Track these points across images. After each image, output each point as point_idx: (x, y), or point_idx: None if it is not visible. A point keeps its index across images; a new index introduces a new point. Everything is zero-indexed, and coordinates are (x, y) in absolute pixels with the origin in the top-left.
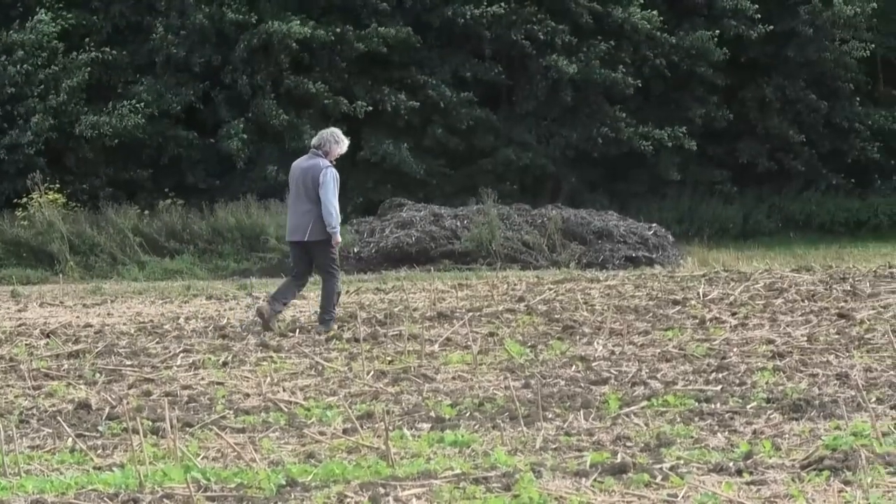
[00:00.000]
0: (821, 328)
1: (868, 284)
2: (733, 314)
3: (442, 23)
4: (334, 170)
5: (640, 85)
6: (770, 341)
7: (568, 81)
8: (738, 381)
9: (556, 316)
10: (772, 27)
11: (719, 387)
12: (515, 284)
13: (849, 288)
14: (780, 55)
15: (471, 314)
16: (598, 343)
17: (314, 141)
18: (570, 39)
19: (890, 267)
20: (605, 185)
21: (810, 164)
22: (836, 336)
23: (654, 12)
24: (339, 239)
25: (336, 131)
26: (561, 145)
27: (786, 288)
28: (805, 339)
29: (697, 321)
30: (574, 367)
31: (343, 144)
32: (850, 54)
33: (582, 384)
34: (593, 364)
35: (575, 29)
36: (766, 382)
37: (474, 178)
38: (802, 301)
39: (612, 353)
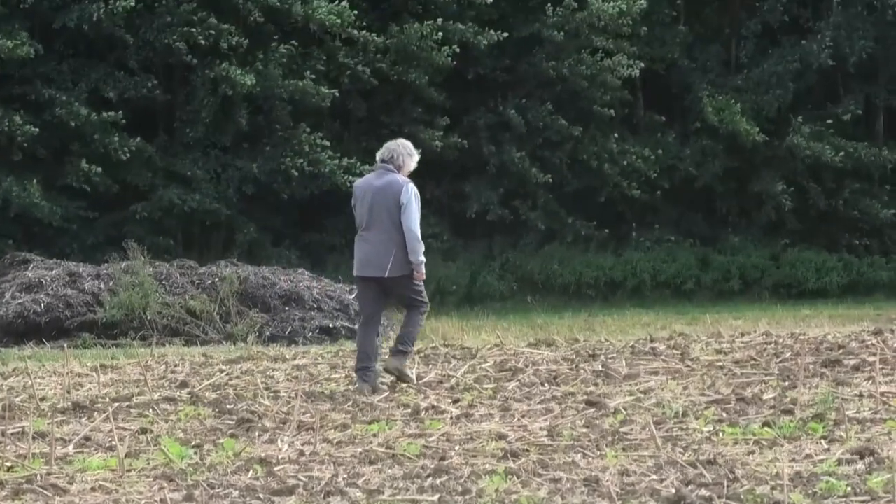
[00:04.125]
0: (565, 419)
1: (624, 363)
2: (455, 402)
3: (72, 29)
4: (415, 187)
5: (336, 95)
6: (501, 436)
7: (244, 98)
8: (460, 489)
9: (228, 406)
10: (507, 34)
11: (436, 496)
12: (176, 365)
13: (600, 367)
14: (519, 70)
15: (117, 405)
16: (282, 440)
17: (383, 154)
18: (239, 42)
19: (651, 341)
20: (295, 234)
21: (552, 211)
22: (585, 430)
23: (345, 4)
24: (424, 273)
25: (406, 142)
26: (236, 182)
27: (521, 367)
28: (545, 433)
29: (410, 411)
30: (252, 472)
31: (415, 157)
32: (612, 71)
33: (261, 494)
34: (276, 468)
35: (246, 30)
36: (496, 490)
37: (124, 226)
38: (542, 384)
39: (301, 453)
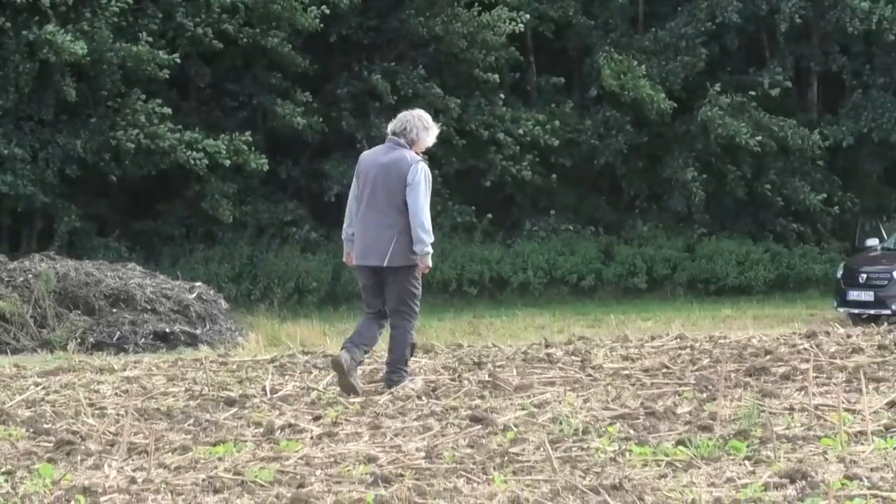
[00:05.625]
0: (446, 438)
1: (515, 372)
2: (316, 419)
3: None
4: (426, 166)
5: (177, 61)
6: (371, 459)
7: (69, 66)
8: None
9: (45, 426)
10: None
11: None
12: None
13: (487, 377)
14: (386, 29)
15: None
16: (110, 466)
17: (394, 126)
18: None
19: (547, 346)
20: (125, 223)
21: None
22: (469, 450)
23: None
24: (430, 264)
25: (423, 114)
26: (57, 161)
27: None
28: (422, 455)
29: (263, 430)
30: (73, 503)
31: (433, 132)
32: (493, 27)
33: None
34: (103, 499)
35: None
36: None
37: None
38: (419, 398)
39: (133, 480)
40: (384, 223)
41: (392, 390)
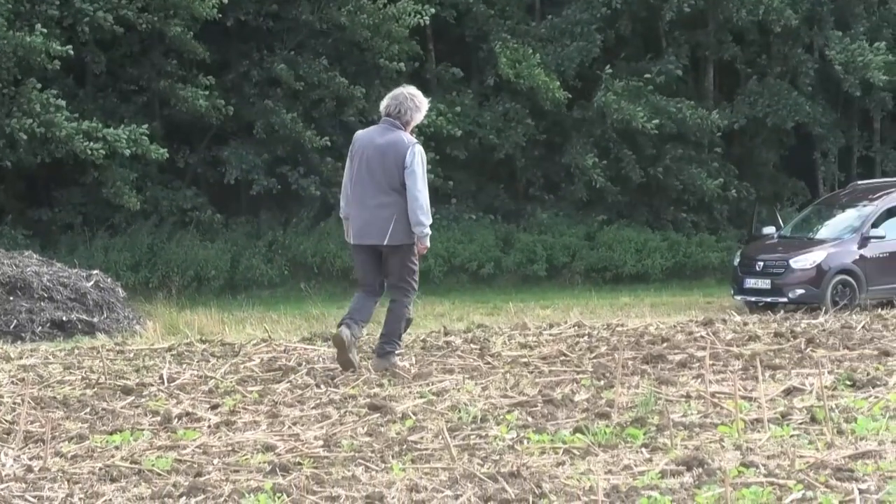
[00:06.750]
0: (344, 427)
1: (414, 360)
2: (214, 407)
3: None
4: (422, 149)
5: (70, 53)
6: (269, 448)
7: None
8: None
9: None
10: None
11: None
12: None
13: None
14: (287, 17)
15: None
16: (6, 455)
17: (388, 106)
18: None
19: (446, 334)
20: (21, 210)
21: (328, 181)
22: (367, 438)
23: None
24: (429, 244)
25: (415, 92)
26: None
27: (293, 366)
28: (320, 443)
29: (160, 419)
30: None
31: (424, 109)
32: (398, 20)
33: None
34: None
35: None
36: None
37: None
38: (318, 386)
39: (29, 469)
40: (383, 203)
41: (382, 363)
